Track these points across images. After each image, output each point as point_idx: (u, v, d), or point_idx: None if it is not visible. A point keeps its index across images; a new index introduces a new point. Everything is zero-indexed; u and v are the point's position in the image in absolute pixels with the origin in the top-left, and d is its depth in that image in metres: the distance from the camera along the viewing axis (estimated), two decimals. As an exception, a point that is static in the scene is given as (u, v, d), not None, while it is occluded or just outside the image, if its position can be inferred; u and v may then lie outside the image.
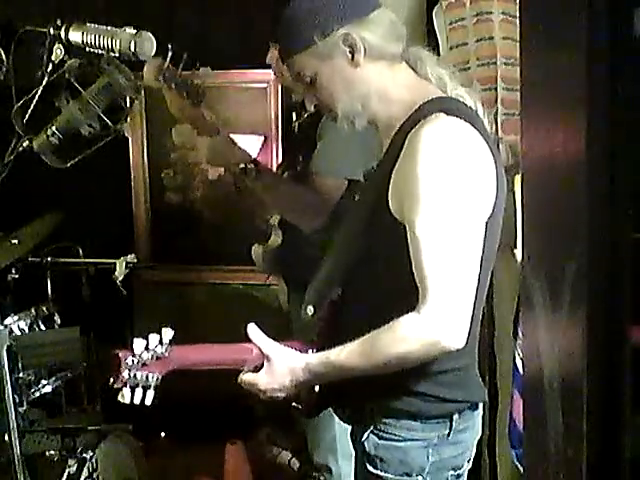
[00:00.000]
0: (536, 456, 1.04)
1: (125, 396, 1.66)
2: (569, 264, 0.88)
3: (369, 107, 1.77)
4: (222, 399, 3.67)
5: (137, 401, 1.67)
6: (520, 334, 2.61)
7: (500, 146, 3.08)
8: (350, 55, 1.73)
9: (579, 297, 0.86)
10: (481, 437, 1.88)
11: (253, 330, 1.74)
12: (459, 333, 1.61)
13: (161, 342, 1.69)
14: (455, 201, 1.62)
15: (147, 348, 1.68)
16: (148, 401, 1.68)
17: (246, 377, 1.74)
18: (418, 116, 1.69)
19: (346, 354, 1.66)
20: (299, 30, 1.74)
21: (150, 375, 1.67)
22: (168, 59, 2.40)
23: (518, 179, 2.72)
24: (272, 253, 2.70)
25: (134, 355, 1.67)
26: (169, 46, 2.40)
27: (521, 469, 2.72)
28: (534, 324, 1.02)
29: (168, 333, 1.71)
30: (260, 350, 1.73)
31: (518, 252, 2.86)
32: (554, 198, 0.95)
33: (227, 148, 2.48)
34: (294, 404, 1.82)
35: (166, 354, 1.69)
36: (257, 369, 1.74)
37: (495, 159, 1.71)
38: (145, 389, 1.67)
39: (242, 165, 2.39)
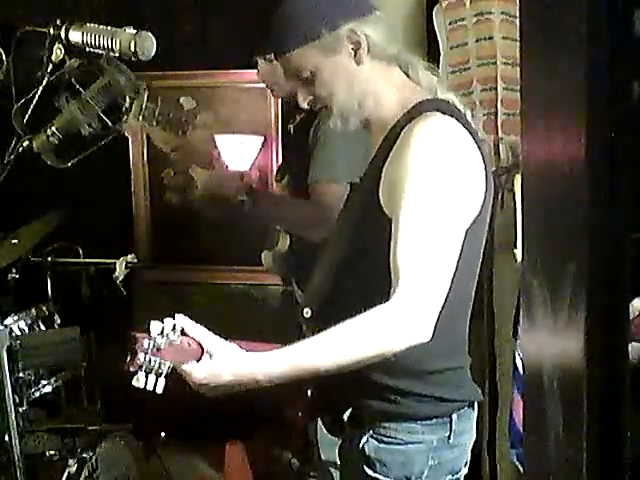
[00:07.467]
0: (536, 456, 1.04)
1: (140, 380, 1.62)
2: (569, 264, 0.88)
3: (365, 106, 1.77)
4: (222, 399, 3.67)
5: (150, 387, 1.64)
6: (520, 334, 2.61)
7: (500, 146, 3.09)
8: (353, 52, 1.73)
9: (579, 297, 0.86)
10: (481, 437, 1.88)
11: (188, 323, 1.65)
12: (423, 326, 1.56)
13: (174, 328, 1.66)
14: (441, 196, 1.61)
15: (162, 333, 1.65)
16: (159, 389, 1.65)
17: (184, 366, 1.65)
18: (412, 114, 1.69)
19: (304, 345, 1.60)
20: (302, 24, 1.72)
21: (162, 362, 1.64)
22: (145, 98, 2.37)
23: (518, 179, 2.72)
24: (282, 257, 2.70)
25: (150, 338, 1.63)
26: (144, 87, 2.36)
27: (521, 469, 2.72)
28: (534, 324, 1.02)
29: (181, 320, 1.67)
30: (200, 345, 1.64)
31: (518, 252, 2.86)
32: (554, 198, 0.95)
33: (222, 182, 2.47)
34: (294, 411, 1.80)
35: (177, 341, 1.65)
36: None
37: (485, 162, 1.72)
38: (157, 376, 1.65)
39: (239, 198, 2.38)
